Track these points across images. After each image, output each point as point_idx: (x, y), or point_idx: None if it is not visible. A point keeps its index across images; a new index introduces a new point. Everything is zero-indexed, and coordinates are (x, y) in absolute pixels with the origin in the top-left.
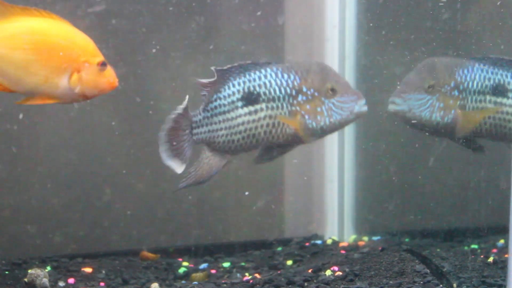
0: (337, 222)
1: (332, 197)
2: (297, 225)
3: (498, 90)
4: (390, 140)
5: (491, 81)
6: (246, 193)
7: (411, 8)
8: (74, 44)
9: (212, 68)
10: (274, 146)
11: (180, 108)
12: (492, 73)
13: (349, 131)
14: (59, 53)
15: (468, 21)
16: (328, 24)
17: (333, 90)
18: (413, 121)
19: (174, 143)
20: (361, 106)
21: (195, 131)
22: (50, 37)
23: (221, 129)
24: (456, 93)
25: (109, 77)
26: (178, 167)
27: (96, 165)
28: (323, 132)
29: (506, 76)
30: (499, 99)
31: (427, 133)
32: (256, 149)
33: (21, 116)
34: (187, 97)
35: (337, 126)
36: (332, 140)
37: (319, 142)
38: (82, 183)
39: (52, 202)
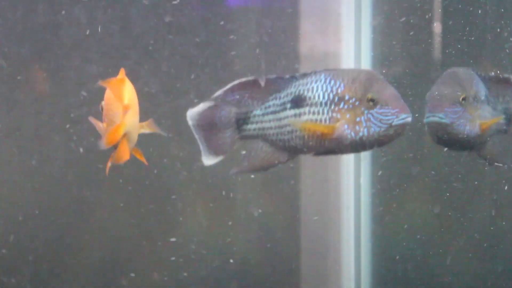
0: None
1: None
2: None
3: (488, 100)
4: None
5: (485, 91)
6: None
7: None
8: None
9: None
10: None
11: (216, 98)
12: (484, 82)
13: None
14: None
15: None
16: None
17: (373, 100)
18: (452, 135)
19: (212, 135)
20: (400, 119)
21: (244, 127)
22: None
23: (271, 127)
24: (476, 104)
25: None
26: (211, 160)
27: None
28: (362, 143)
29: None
30: (490, 108)
31: (454, 149)
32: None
33: None
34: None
35: (376, 140)
36: None
37: None
38: None
39: None
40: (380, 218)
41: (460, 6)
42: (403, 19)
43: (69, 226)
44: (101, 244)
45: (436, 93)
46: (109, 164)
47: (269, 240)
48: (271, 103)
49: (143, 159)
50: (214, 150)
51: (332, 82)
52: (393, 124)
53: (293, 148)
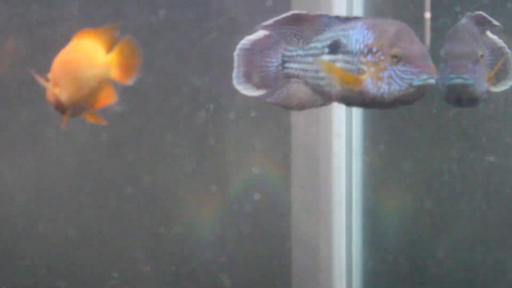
0: None
1: None
2: None
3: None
4: None
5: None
6: None
7: None
8: None
9: (317, 13)
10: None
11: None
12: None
13: None
14: None
15: None
16: None
17: (396, 56)
18: (473, 95)
19: (258, 65)
20: (421, 80)
21: (287, 65)
22: None
23: (309, 70)
24: (484, 57)
25: None
26: (251, 91)
27: None
28: (383, 100)
29: None
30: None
31: (464, 107)
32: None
33: None
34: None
35: (396, 98)
36: None
37: None
38: None
39: None
40: (371, 212)
41: None
42: None
43: (58, 221)
44: (89, 239)
45: (457, 51)
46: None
47: (260, 234)
48: (312, 44)
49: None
50: (256, 82)
51: (365, 31)
52: (413, 84)
53: (326, 94)
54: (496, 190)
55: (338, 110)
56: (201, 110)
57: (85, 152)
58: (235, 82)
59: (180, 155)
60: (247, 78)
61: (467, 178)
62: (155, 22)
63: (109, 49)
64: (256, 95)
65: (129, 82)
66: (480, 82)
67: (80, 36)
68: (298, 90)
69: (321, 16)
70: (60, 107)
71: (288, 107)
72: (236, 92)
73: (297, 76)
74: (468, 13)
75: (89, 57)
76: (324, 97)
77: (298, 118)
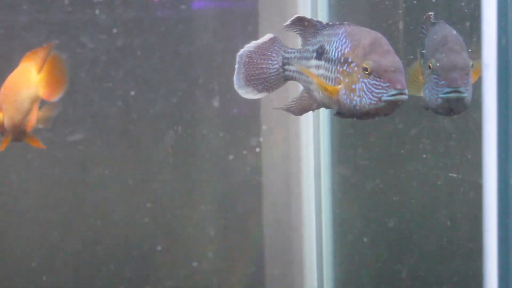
0: None
1: None
2: None
3: None
4: None
5: None
6: None
7: None
8: None
9: (314, 19)
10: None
11: (268, 37)
12: None
13: None
14: None
15: None
16: None
17: (367, 69)
18: (466, 106)
19: (259, 68)
20: (389, 95)
21: (286, 67)
22: None
23: (302, 73)
24: None
25: None
26: (252, 93)
27: None
28: (356, 112)
29: None
30: None
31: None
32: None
33: None
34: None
35: (368, 112)
36: None
37: None
38: None
39: None
40: (340, 226)
41: None
42: None
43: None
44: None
45: (451, 64)
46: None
47: (232, 254)
48: (306, 47)
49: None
50: (256, 85)
51: (344, 40)
52: (383, 99)
53: (315, 98)
54: (459, 206)
55: (307, 128)
56: (166, 133)
57: (46, 183)
58: (236, 85)
59: (145, 180)
60: (248, 81)
61: (430, 193)
62: (114, 50)
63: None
64: (256, 98)
65: (55, 99)
66: (470, 91)
67: (24, 60)
68: (301, 95)
69: (317, 20)
70: (4, 131)
71: (291, 111)
72: (202, 112)
73: (294, 79)
74: (441, 21)
75: (24, 79)
76: (316, 101)
77: (268, 139)
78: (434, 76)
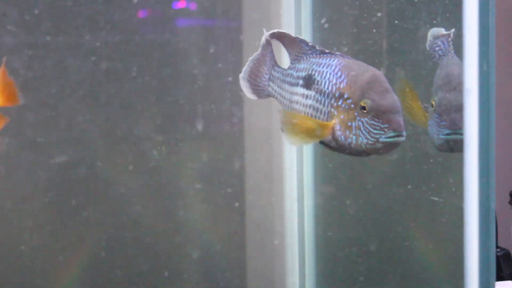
0: None
1: None
2: None
3: None
4: None
5: None
6: None
7: None
8: None
9: (297, 36)
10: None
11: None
12: None
13: None
14: None
15: None
16: None
17: (364, 108)
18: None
19: (256, 76)
20: (388, 137)
21: (270, 83)
22: None
23: (283, 97)
24: None
25: None
26: (248, 92)
27: None
28: (351, 150)
29: None
30: None
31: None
32: None
33: None
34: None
35: (364, 151)
36: None
37: None
38: None
39: None
40: (323, 249)
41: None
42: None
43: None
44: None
45: (452, 105)
46: None
47: (215, 274)
48: (290, 71)
49: None
50: (252, 85)
51: (339, 73)
52: (380, 140)
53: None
54: (441, 229)
55: (290, 153)
56: (150, 153)
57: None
58: (241, 74)
59: (129, 200)
60: (250, 78)
61: (412, 217)
62: (98, 73)
63: None
64: (248, 97)
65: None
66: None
67: None
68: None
69: (300, 40)
70: None
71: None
72: (185, 137)
73: (276, 98)
74: (451, 52)
75: None
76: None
77: (250, 161)
78: (436, 115)
